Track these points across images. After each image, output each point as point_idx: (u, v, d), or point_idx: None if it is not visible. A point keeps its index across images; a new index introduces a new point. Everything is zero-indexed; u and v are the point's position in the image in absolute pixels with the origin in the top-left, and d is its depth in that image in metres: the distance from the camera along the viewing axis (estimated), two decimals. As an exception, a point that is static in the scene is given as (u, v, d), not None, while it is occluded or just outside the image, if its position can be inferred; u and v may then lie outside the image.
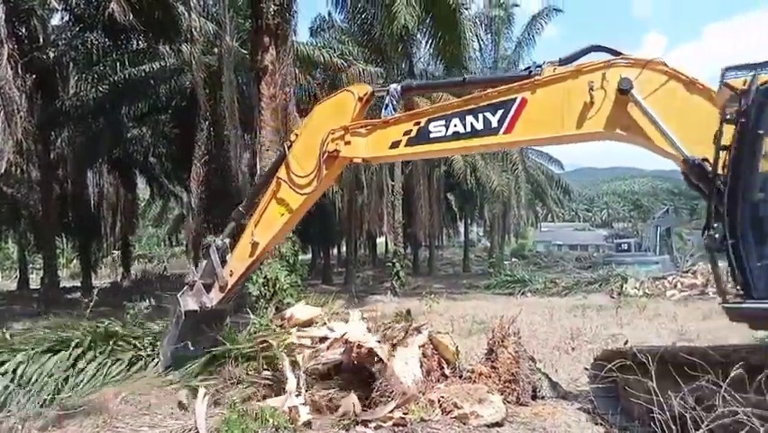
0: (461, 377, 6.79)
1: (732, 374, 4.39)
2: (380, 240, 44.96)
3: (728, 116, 4.81)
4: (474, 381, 6.64)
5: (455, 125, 6.50)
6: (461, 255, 46.83)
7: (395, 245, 24.69)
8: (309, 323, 7.65)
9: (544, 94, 6.11)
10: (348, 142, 6.98)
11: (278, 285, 11.94)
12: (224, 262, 7.73)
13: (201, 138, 22.04)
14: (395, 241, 24.68)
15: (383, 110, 7.10)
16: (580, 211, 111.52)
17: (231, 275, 7.66)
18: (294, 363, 6.60)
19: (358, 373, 6.41)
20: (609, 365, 5.73)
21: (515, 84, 6.29)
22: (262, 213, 7.50)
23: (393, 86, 7.25)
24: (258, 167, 13.36)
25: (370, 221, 31.57)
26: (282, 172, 7.40)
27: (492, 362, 6.80)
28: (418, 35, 22.89)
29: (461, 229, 51.96)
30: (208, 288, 7.69)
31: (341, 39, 25.98)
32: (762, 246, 4.75)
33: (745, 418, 4.23)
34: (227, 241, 7.89)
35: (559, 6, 32.25)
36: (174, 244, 53.80)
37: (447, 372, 6.87)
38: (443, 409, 6.01)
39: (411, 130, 6.73)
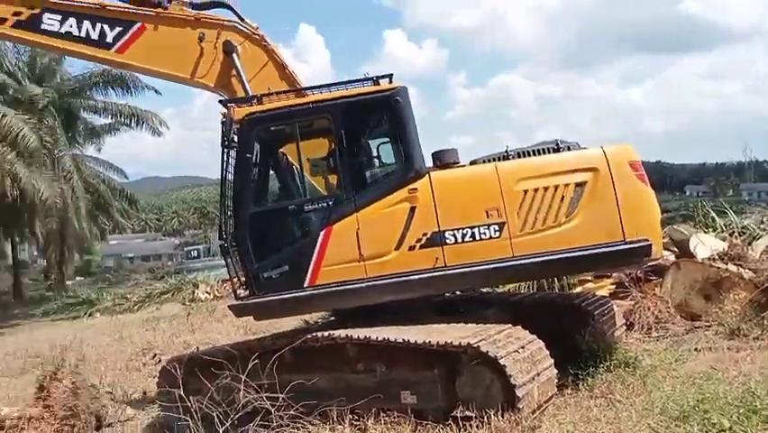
0: (2, 428, 5.67)
1: (251, 365, 5.00)
2: None
3: (226, 142, 5.73)
4: (23, 428, 5.65)
5: (71, 26, 6.44)
6: (11, 281, 39.55)
7: None
8: None
9: (163, 29, 6.40)
10: None
11: None
12: None
13: None
14: None
15: None
16: (150, 221, 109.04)
17: None
18: None
19: None
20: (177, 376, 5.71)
21: (140, 8, 6.39)
22: None
23: None
24: None
25: None
26: None
27: (45, 400, 5.92)
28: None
29: (9, 250, 43.81)
30: None
31: None
32: (257, 251, 5.74)
33: (259, 403, 4.82)
34: None
35: None
36: None
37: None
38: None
39: (22, 13, 6.47)
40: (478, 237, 5.56)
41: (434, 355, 4.96)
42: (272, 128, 6.18)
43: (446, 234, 5.56)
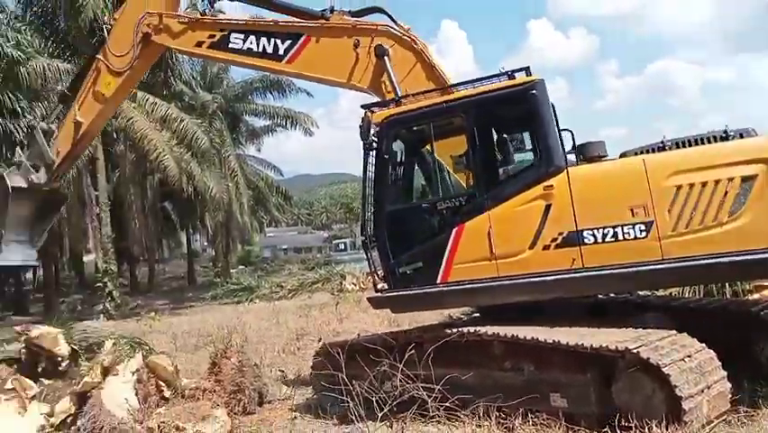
0: (183, 397, 6.37)
1: (407, 356, 5.09)
2: (88, 258, 39.92)
3: (366, 144, 5.97)
4: (198, 398, 6.31)
5: (251, 42, 7.21)
6: (186, 268, 44.52)
7: (105, 263, 22.11)
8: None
9: (325, 39, 6.89)
10: (160, 30, 7.59)
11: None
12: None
13: None
14: (105, 258, 22.11)
15: (201, 7, 7.90)
16: (302, 215, 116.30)
17: (57, 155, 8.28)
18: None
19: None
20: (328, 361, 6.04)
21: (306, 21, 7.07)
22: (85, 95, 8.10)
23: None
24: None
25: (72, 238, 27.72)
26: (101, 54, 8.00)
27: (216, 375, 6.58)
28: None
29: (184, 240, 49.35)
30: (37, 168, 8.27)
31: (16, 27, 22.17)
32: (394, 247, 5.92)
33: (416, 392, 4.87)
34: (53, 125, 8.52)
35: None
36: None
37: (167, 394, 6.38)
38: (164, 435, 5.57)
39: (215, 35, 7.42)
40: (621, 237, 5.16)
41: (587, 359, 4.70)
42: (409, 129, 6.32)
43: (584, 233, 5.24)
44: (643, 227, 5.12)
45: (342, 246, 44.34)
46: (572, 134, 5.81)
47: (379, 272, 6.12)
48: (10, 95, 21.33)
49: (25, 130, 22.50)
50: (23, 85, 19.19)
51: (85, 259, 40.71)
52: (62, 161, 8.43)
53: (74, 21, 19.06)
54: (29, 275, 38.80)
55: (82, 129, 8.17)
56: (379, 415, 4.79)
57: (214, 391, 6.42)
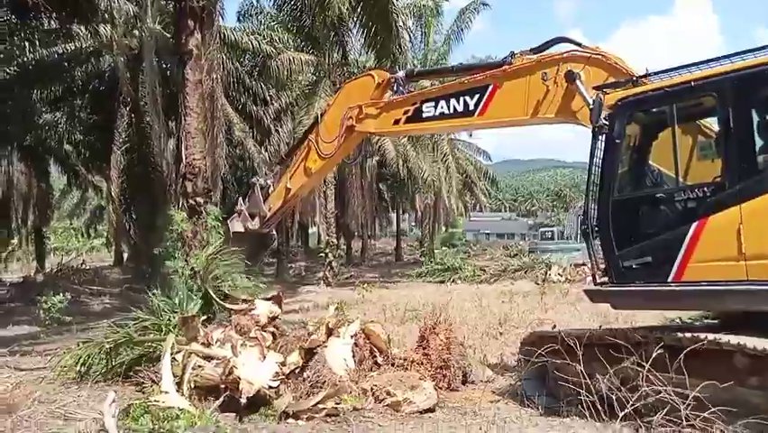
0: (393, 365, 6.80)
1: (654, 355, 4.63)
2: (312, 230, 44.54)
3: (596, 128, 5.60)
4: (406, 368, 6.68)
5: (442, 107, 7.55)
6: (394, 245, 47.19)
7: (327, 235, 24.47)
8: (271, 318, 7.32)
9: (510, 82, 7.00)
10: (361, 119, 8.34)
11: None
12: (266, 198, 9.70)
13: (121, 124, 20.97)
14: (327, 231, 24.45)
15: (392, 93, 8.40)
16: (506, 201, 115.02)
17: (269, 209, 9.67)
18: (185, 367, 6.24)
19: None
20: (539, 350, 5.92)
21: (489, 72, 7.25)
22: (296, 166, 9.33)
23: (399, 73, 8.60)
24: (183, 155, 12.87)
25: (301, 211, 31.15)
26: (313, 135, 9.06)
27: (424, 349, 6.88)
28: (350, 24, 22.62)
29: (394, 219, 52.33)
30: (253, 216, 9.84)
31: (270, 25, 25.31)
32: (619, 239, 5.48)
33: (667, 397, 4.45)
34: (270, 181, 9.97)
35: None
36: (93, 236, 51.02)
37: (380, 360, 6.87)
38: (376, 398, 6.02)
39: (409, 110, 7.91)
40: None
41: None
42: (647, 112, 5.79)
43: None
44: None
45: (548, 234, 42.69)
46: None
47: (600, 264, 5.75)
48: (262, 85, 24.65)
49: (272, 115, 25.98)
50: (272, 75, 21.85)
51: (310, 231, 45.52)
52: (272, 215, 9.82)
53: (319, 16, 21.16)
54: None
55: (290, 193, 9.46)
56: (620, 415, 4.53)
57: (422, 364, 6.72)
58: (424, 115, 7.75)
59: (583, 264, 23.16)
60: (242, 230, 9.87)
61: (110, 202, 23.91)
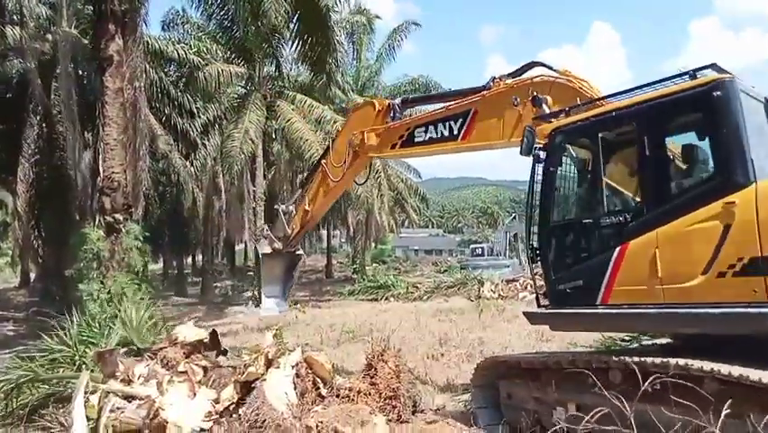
0: (338, 396, 6.29)
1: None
2: (239, 247, 43.10)
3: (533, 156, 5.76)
4: (353, 399, 6.19)
5: (431, 131, 8.06)
6: (324, 262, 46.52)
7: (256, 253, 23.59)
8: (197, 345, 6.81)
9: (487, 107, 7.38)
10: (363, 144, 9.06)
11: (124, 302, 10.55)
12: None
13: (31, 134, 19.33)
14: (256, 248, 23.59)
15: (391, 119, 8.95)
16: (433, 218, 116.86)
17: (292, 231, 11.13)
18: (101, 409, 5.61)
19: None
20: (495, 378, 5.66)
21: (471, 97, 7.64)
22: (313, 190, 10.43)
23: (396, 100, 9.40)
24: (101, 168, 11.91)
25: (228, 228, 29.98)
26: (325, 160, 10.07)
27: (371, 378, 6.40)
28: (285, 35, 22.10)
29: (324, 235, 51.63)
30: (278, 238, 11.47)
31: (197, 35, 24.34)
32: (556, 263, 5.62)
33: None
34: (291, 207, 11.26)
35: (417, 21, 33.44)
36: (-5, 254, 47.07)
37: (323, 391, 6.33)
38: (323, 436, 5.50)
39: (403, 135, 8.50)
40: None
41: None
42: (577, 141, 5.89)
43: None
44: None
45: (479, 251, 43.52)
46: None
47: (541, 287, 5.80)
48: (189, 97, 23.62)
49: (199, 128, 24.94)
50: (200, 87, 21.05)
51: (237, 248, 43.98)
52: (295, 235, 11.27)
53: (250, 26, 20.51)
54: (188, 260, 42.86)
55: (309, 216, 10.74)
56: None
57: (369, 394, 6.24)
58: (415, 140, 8.25)
59: (514, 280, 23.65)
60: (270, 251, 11.54)
61: (16, 218, 21.94)
